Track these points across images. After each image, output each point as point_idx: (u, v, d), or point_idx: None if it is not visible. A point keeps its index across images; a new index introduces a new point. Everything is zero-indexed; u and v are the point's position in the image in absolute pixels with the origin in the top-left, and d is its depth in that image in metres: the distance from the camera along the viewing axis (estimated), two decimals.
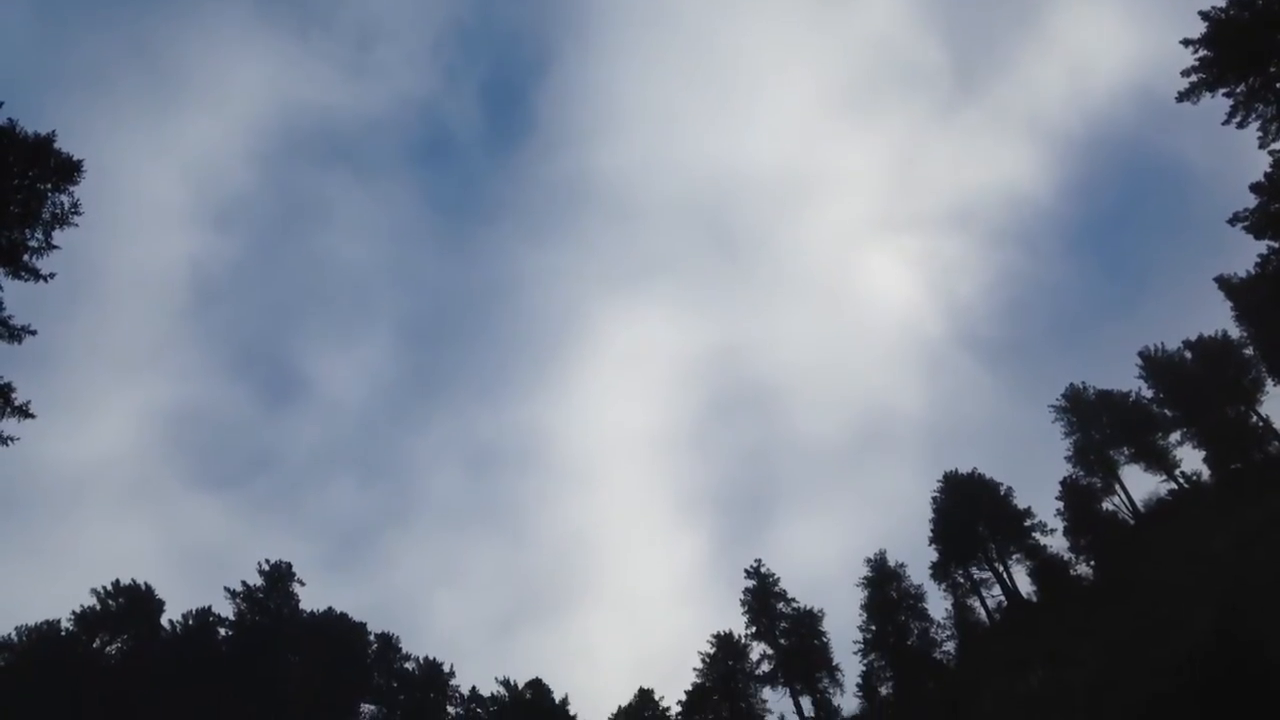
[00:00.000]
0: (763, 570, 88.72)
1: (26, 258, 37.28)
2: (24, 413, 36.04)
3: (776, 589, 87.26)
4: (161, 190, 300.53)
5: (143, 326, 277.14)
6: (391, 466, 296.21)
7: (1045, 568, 72.17)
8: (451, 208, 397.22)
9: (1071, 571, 70.83)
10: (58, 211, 38.10)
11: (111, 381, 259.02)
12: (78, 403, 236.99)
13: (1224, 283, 70.21)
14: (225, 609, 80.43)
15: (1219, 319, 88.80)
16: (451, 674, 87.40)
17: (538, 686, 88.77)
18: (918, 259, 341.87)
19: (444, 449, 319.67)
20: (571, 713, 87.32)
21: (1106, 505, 73.56)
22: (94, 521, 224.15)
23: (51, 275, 37.77)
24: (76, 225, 38.40)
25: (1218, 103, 53.31)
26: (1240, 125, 53.06)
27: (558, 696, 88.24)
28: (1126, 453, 75.25)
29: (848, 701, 78.20)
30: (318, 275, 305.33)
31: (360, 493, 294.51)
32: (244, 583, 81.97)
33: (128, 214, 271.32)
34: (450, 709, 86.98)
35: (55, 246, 37.65)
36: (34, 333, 36.71)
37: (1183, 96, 53.33)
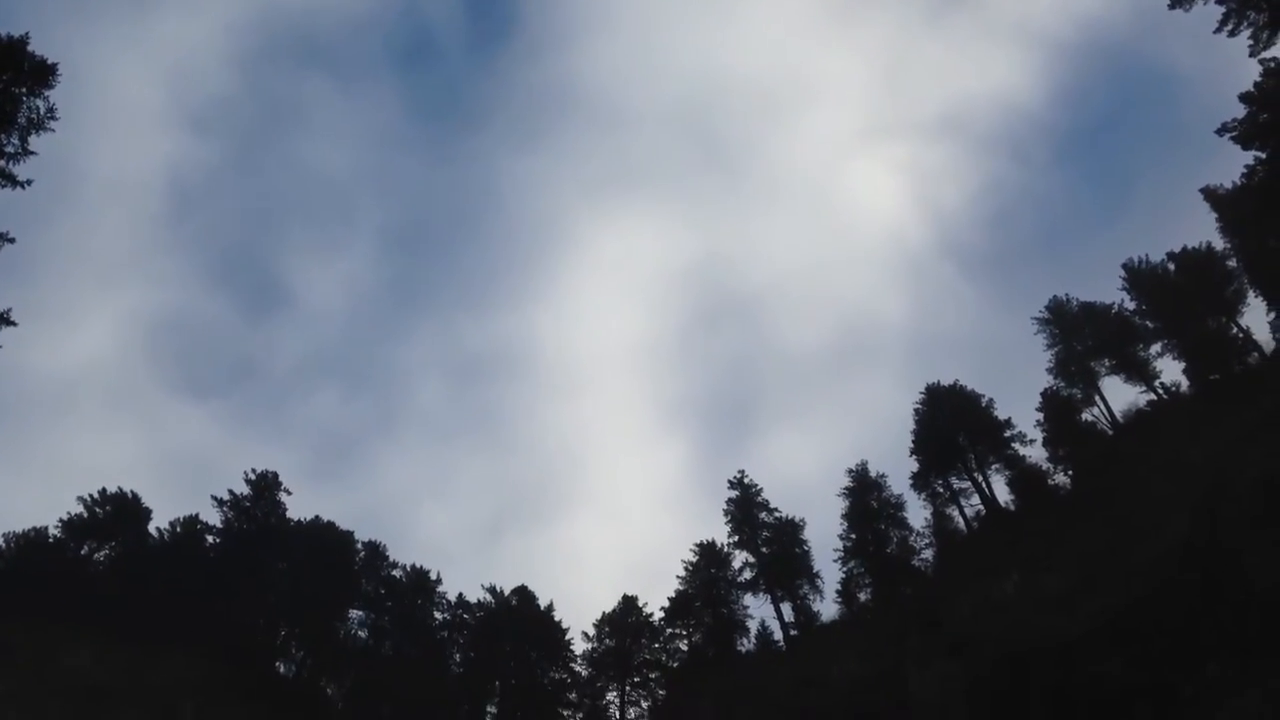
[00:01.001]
0: (746, 481, 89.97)
1: (3, 164, 36.81)
2: (5, 320, 35.95)
3: (759, 499, 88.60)
4: (138, 93, 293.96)
5: (122, 233, 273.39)
6: (376, 376, 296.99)
7: (1024, 477, 73.27)
8: (434, 112, 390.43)
9: (1049, 481, 71.88)
10: (33, 116, 37.59)
11: (92, 289, 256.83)
12: (59, 310, 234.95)
13: (1210, 194, 69.99)
14: (212, 517, 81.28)
15: (1205, 231, 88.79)
16: (438, 581, 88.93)
17: (523, 593, 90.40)
18: (904, 167, 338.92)
19: (428, 358, 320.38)
20: (557, 618, 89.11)
21: (1086, 416, 74.37)
22: (78, 429, 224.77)
23: (29, 182, 37.30)
24: (53, 130, 37.88)
25: (1210, 10, 52.75)
26: (1231, 34, 52.60)
27: (543, 603, 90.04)
28: (1107, 364, 75.82)
29: (827, 607, 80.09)
30: (298, 181, 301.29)
31: (345, 403, 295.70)
32: (231, 491, 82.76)
33: (104, 118, 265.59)
34: (438, 615, 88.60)
35: (32, 152, 37.22)
36: (12, 240, 36.42)
37: (1175, 3, 52.62)
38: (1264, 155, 57.41)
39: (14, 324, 36.34)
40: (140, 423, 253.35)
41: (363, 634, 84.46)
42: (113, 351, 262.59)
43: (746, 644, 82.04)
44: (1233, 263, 70.58)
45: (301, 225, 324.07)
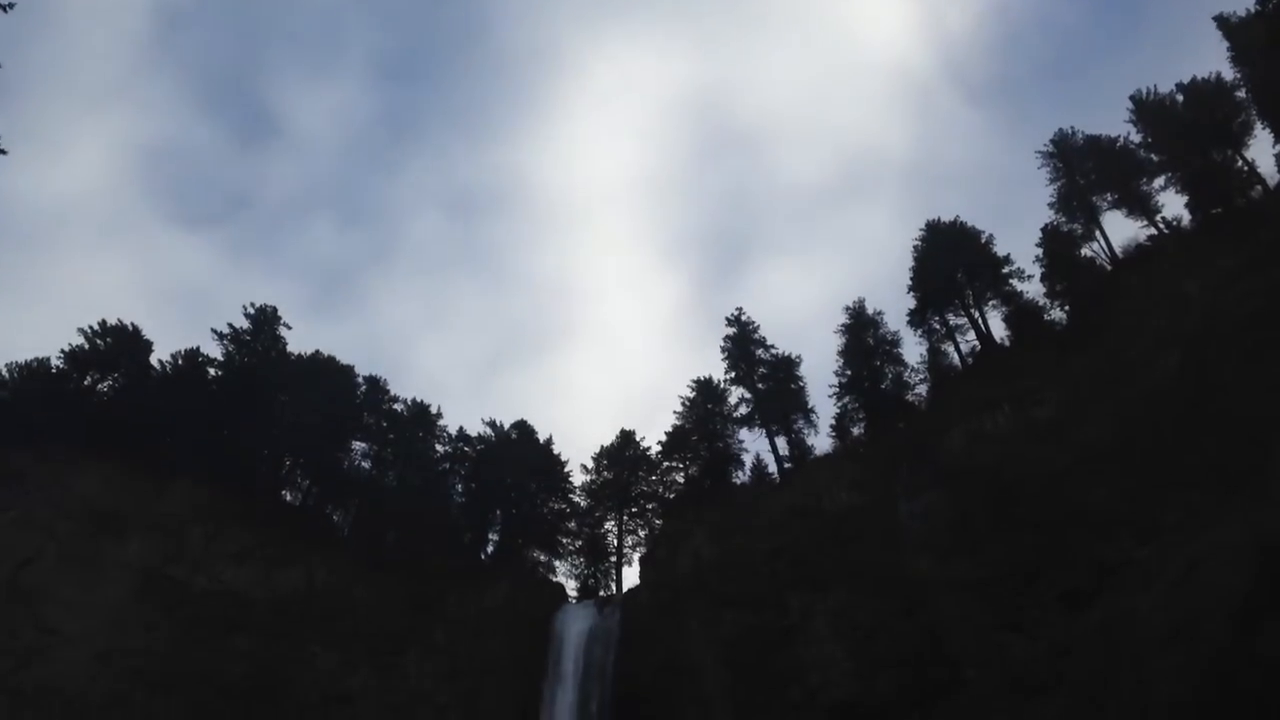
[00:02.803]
0: (743, 319, 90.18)
1: None
2: None
3: (756, 336, 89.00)
4: None
5: (108, 57, 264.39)
6: (370, 209, 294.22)
7: (1020, 313, 73.22)
8: None
9: (1046, 317, 72.00)
10: None
11: (81, 115, 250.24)
12: (48, 137, 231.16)
13: (1223, 22, 67.70)
14: (213, 350, 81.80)
15: (1217, 63, 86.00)
16: (439, 415, 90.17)
17: (523, 427, 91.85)
18: None
19: (423, 191, 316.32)
20: (556, 451, 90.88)
21: (1085, 252, 73.61)
22: (72, 258, 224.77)
23: (10, 5, 35.80)
24: None
25: None
26: None
27: (542, 437, 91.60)
28: (1109, 199, 74.66)
29: (821, 441, 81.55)
30: (286, 5, 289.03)
31: (339, 235, 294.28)
32: (230, 325, 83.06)
33: None
34: (439, 448, 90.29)
35: None
36: None
37: None
38: None
39: (3, 151, 35.50)
40: (134, 253, 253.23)
41: (366, 465, 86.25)
42: (104, 178, 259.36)
43: (741, 476, 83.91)
44: (1242, 93, 68.80)
45: (291, 51, 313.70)
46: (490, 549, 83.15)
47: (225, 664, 60.14)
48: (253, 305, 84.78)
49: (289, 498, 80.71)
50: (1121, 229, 74.30)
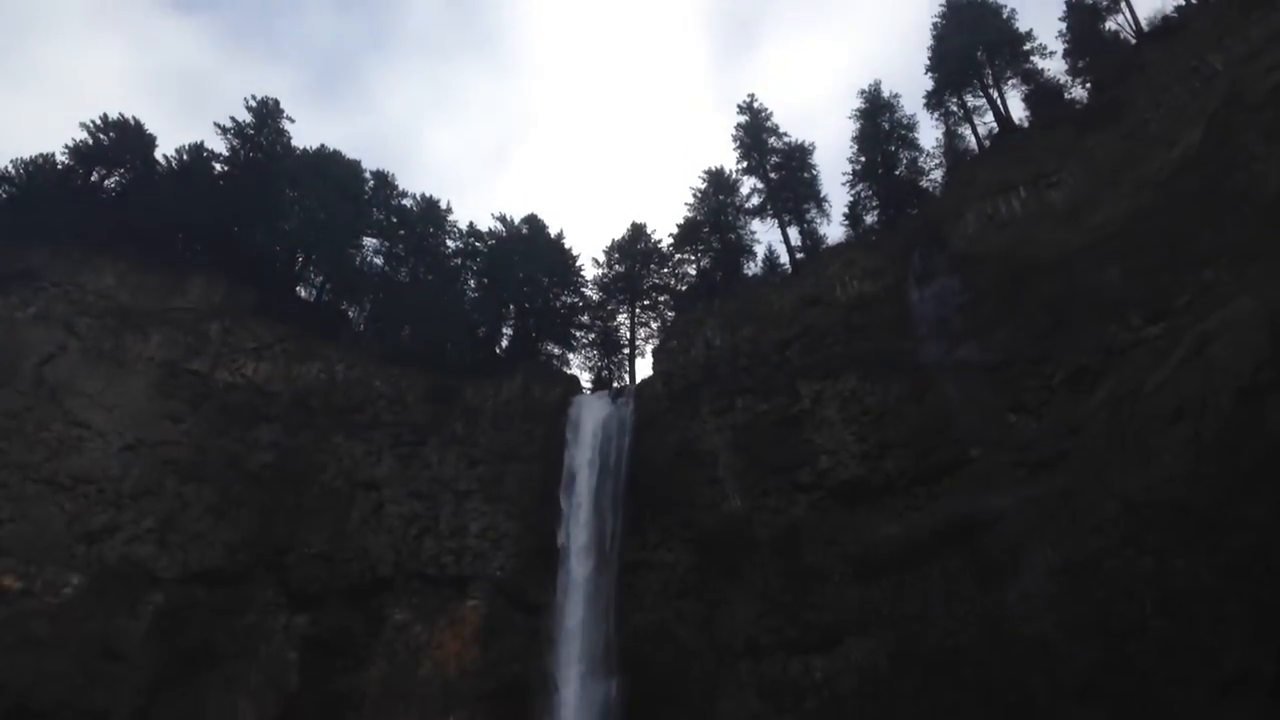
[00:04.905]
0: (755, 105, 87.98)
1: None
2: None
3: (768, 124, 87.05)
4: None
5: None
6: None
7: (1040, 92, 70.76)
8: None
9: (1066, 96, 69.74)
10: None
11: None
12: None
13: None
14: (216, 145, 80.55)
15: None
16: (448, 210, 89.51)
17: (534, 222, 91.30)
18: None
19: None
20: (567, 245, 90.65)
21: (1110, 25, 70.66)
22: (64, 45, 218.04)
23: None
24: None
25: None
26: None
27: (553, 231, 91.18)
28: None
29: (833, 230, 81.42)
30: None
31: (337, 16, 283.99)
32: (233, 118, 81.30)
33: None
34: (450, 243, 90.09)
35: None
36: None
37: None
38: None
39: None
40: (126, 41, 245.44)
41: (378, 261, 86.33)
42: None
43: (753, 268, 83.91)
44: None
45: None
46: (505, 343, 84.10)
47: (252, 454, 61.95)
48: (254, 98, 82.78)
49: (304, 294, 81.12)
50: (1149, 1, 70.86)
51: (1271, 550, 29.90)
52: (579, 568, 59.42)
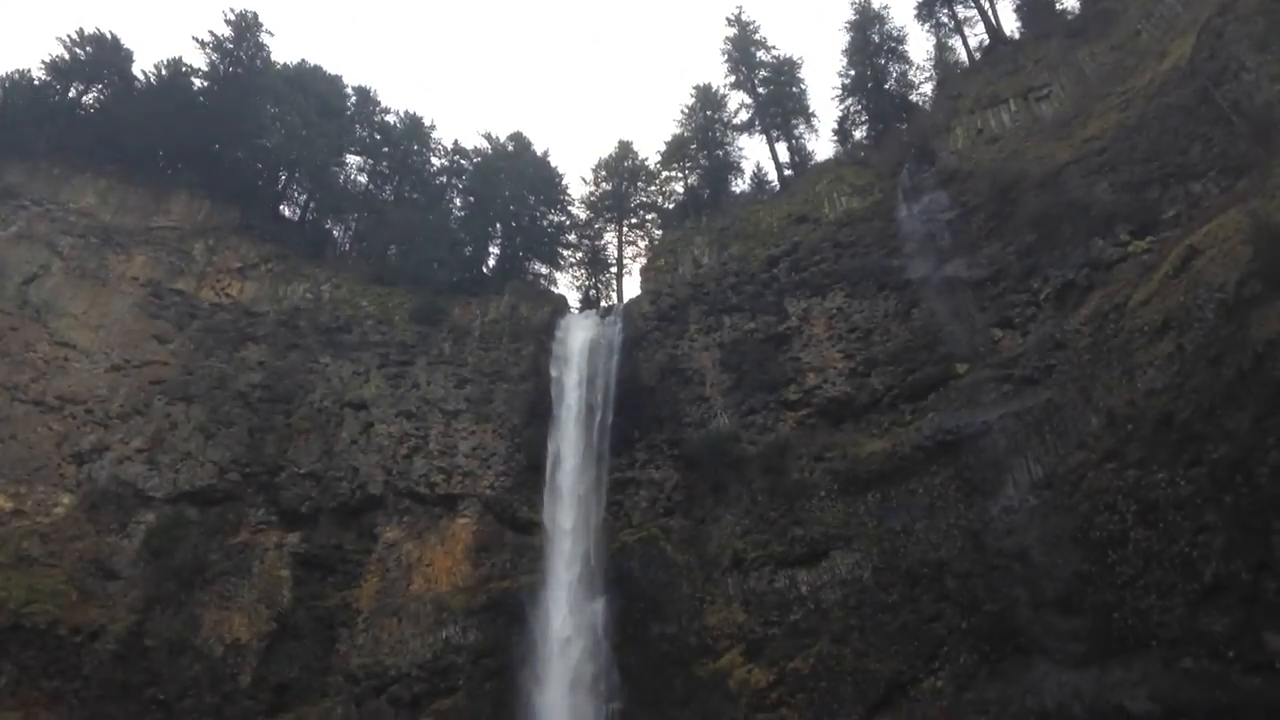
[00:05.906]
0: (743, 18, 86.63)
1: None
2: None
3: (756, 37, 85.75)
4: None
5: None
6: None
7: (1032, 1, 69.93)
8: None
9: (1058, 5, 68.70)
10: None
11: None
12: None
13: None
14: (196, 60, 79.13)
15: None
16: (433, 127, 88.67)
17: (519, 139, 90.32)
18: None
19: None
20: (553, 164, 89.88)
21: None
22: None
23: None
24: None
25: None
26: None
27: (539, 149, 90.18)
28: None
29: (822, 146, 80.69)
30: None
31: None
32: (211, 32, 79.74)
33: None
34: (435, 161, 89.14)
35: None
36: None
37: None
38: None
39: None
40: None
41: (362, 179, 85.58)
42: None
43: (741, 185, 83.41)
44: None
45: None
46: (492, 263, 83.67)
47: (240, 374, 61.91)
48: (232, 10, 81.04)
49: (288, 213, 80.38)
50: None
51: (1250, 461, 30.23)
52: (568, 486, 59.87)
